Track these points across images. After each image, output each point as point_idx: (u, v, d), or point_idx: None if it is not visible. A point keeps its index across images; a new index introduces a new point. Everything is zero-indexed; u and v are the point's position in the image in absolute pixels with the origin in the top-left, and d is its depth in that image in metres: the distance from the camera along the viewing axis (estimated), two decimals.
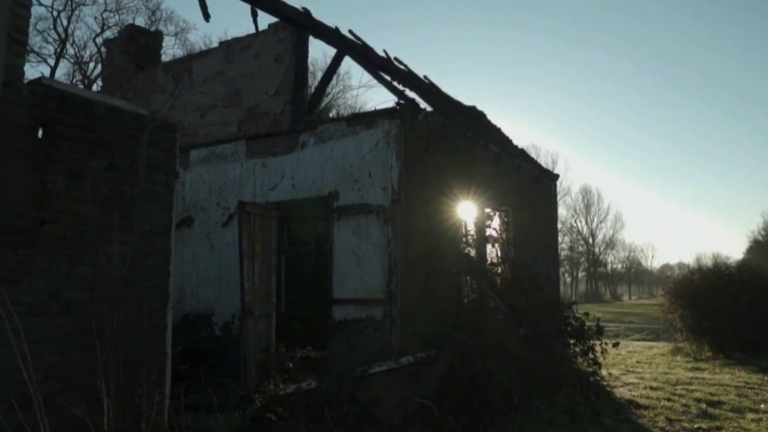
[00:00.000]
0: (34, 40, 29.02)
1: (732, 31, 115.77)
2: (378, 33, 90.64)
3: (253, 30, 10.00)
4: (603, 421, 7.15)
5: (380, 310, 7.82)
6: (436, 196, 8.74)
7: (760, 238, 56.91)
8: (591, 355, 8.79)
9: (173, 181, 4.97)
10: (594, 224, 66.04)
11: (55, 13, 29.89)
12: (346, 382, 6.45)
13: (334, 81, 33.12)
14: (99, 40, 30.13)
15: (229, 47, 10.40)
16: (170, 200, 4.97)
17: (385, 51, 11.34)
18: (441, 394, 6.63)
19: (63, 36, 30.41)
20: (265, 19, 10.14)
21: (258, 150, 9.36)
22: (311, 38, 9.89)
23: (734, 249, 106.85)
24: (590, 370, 8.76)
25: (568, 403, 7.31)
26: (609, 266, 71.37)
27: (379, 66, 10.89)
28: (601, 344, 8.86)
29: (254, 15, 8.50)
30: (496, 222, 10.29)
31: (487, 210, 10.23)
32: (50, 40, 30.41)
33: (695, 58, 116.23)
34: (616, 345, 9.57)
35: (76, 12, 30.94)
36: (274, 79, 9.60)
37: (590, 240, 66.27)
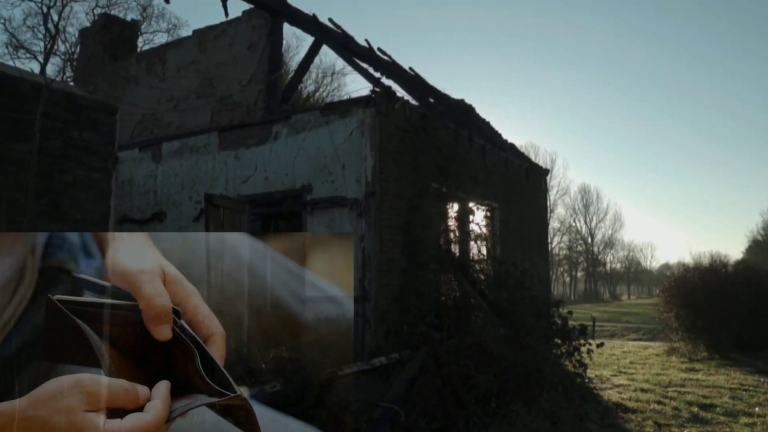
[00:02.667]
0: (24, 36, 28.63)
1: (731, 31, 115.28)
2: (380, 35, 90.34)
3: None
4: (587, 426, 6.77)
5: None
6: (414, 190, 8.32)
7: (759, 237, 56.32)
8: (577, 356, 8.40)
9: (112, 167, 4.57)
10: (593, 224, 65.66)
11: (45, 9, 29.50)
12: (312, 384, 6.07)
13: (329, 78, 32.70)
14: None
15: (203, 35, 9.99)
16: (109, 187, 4.58)
17: (367, 41, 10.92)
18: (413, 398, 6.25)
19: (53, 32, 29.99)
20: (241, 6, 9.74)
21: (230, 141, 8.97)
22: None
23: (734, 249, 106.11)
24: (577, 371, 8.37)
25: (551, 407, 6.91)
26: (608, 266, 70.93)
27: (361, 55, 10.48)
28: (586, 344, 8.46)
29: (224, 0, 8.10)
30: (479, 217, 9.84)
31: (471, 204, 9.81)
32: (40, 36, 30.02)
33: (695, 57, 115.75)
34: (600, 345, 9.15)
35: (67, 8, 30.53)
36: (248, 68, 9.20)
37: (589, 239, 65.85)
